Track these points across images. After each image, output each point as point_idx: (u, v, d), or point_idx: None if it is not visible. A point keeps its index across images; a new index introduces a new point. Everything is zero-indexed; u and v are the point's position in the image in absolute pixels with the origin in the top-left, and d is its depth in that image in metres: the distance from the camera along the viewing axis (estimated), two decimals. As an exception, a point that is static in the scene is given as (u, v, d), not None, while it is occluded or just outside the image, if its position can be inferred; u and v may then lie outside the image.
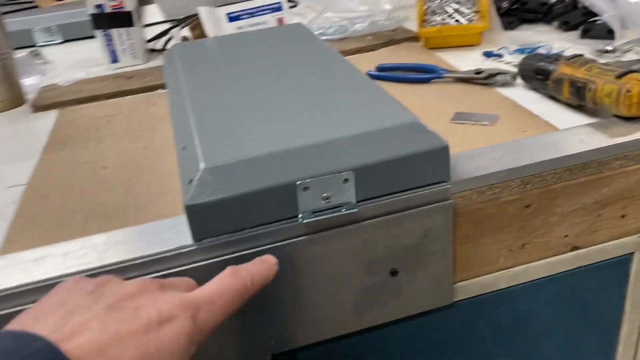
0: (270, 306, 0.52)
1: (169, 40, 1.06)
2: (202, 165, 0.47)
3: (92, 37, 1.18)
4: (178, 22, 1.07)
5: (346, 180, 0.49)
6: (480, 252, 0.58)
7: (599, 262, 0.63)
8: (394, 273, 0.55)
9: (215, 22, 0.96)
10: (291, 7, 1.18)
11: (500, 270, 0.60)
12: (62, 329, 0.28)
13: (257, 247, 0.49)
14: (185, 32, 1.03)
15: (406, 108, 0.54)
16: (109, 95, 0.87)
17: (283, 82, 0.63)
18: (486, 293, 0.61)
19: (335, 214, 0.50)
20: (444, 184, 0.52)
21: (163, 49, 1.06)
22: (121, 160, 0.67)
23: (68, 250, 0.48)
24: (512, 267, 0.60)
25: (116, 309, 0.30)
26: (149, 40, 1.07)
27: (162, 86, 0.89)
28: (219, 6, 0.95)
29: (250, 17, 0.96)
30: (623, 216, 0.61)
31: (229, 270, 0.37)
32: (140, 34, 1.02)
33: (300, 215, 0.49)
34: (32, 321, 0.29)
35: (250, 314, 0.51)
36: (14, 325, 0.29)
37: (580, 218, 0.59)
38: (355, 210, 0.50)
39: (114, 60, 1.00)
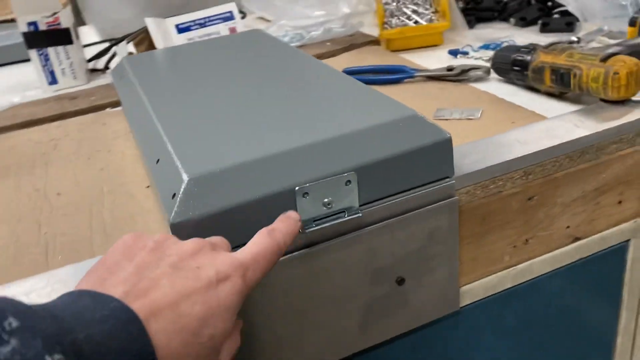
0: (270, 330, 0.46)
1: (112, 57, 0.98)
2: (185, 177, 0.41)
3: (22, 61, 1.09)
4: (119, 40, 0.99)
5: (348, 182, 0.44)
6: (485, 251, 0.54)
7: (598, 252, 0.61)
8: (400, 281, 0.50)
9: (163, 34, 0.89)
10: (240, 18, 1.13)
11: (506, 269, 0.57)
12: (137, 285, 0.30)
13: (255, 264, 0.44)
14: (130, 48, 0.96)
15: (401, 103, 0.50)
16: (53, 117, 0.78)
17: (259, 85, 0.58)
18: (492, 295, 0.57)
19: (338, 221, 0.45)
20: (448, 179, 0.48)
21: (106, 68, 0.98)
22: (78, 185, 0.60)
23: (31, 288, 0.41)
24: (516, 265, 0.57)
25: (180, 268, 0.32)
26: (90, 60, 0.99)
27: (111, 104, 0.81)
28: (168, 17, 0.89)
29: (201, 28, 0.90)
30: (620, 202, 0.60)
31: (265, 231, 0.38)
32: (81, 53, 0.93)
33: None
34: (107, 274, 0.31)
35: (244, 341, 0.45)
36: (89, 279, 0.31)
37: (581, 207, 0.57)
38: (359, 214, 0.45)
39: (53, 81, 0.91)
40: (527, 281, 0.58)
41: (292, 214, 0.41)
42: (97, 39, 1.21)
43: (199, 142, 0.47)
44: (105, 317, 0.27)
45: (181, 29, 0.89)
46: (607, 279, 0.65)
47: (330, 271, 0.47)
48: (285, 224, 0.39)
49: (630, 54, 0.61)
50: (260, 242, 0.37)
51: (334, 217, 0.45)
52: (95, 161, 0.65)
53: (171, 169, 0.44)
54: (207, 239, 0.37)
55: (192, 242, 0.35)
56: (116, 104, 0.81)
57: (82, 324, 0.26)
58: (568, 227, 0.58)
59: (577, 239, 0.59)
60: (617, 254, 0.63)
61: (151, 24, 0.86)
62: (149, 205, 0.54)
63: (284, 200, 0.42)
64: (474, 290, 0.56)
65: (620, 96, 0.57)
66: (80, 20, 1.38)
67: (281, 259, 0.44)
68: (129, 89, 0.65)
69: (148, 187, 0.57)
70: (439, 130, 0.47)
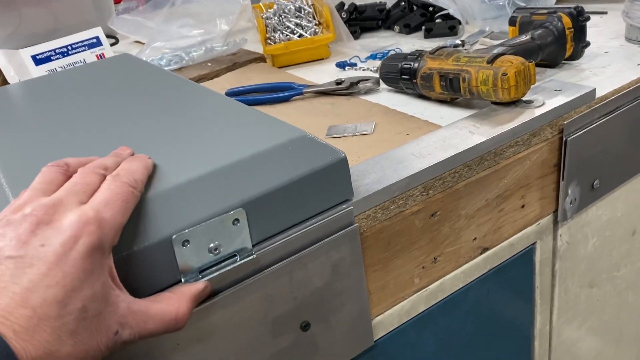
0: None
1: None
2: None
3: None
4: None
5: (236, 220, 0.38)
6: (394, 277, 0.50)
7: (507, 259, 0.59)
8: (305, 327, 0.45)
9: (18, 67, 0.79)
10: (112, 44, 1.04)
11: (417, 291, 0.53)
12: None
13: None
14: (-17, 85, 0.84)
15: (287, 123, 0.45)
16: None
17: (125, 118, 0.51)
18: (406, 321, 0.53)
19: (230, 267, 0.39)
20: (347, 204, 0.44)
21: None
22: None
23: None
24: (428, 286, 0.53)
25: (23, 257, 0.29)
26: None
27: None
28: (23, 48, 0.79)
29: (63, 57, 0.81)
30: (523, 206, 0.58)
31: (110, 178, 0.35)
32: None
33: (182, 280, 0.37)
34: None
35: None
36: None
37: (485, 217, 0.55)
38: (254, 256, 0.39)
39: None
40: (440, 301, 0.55)
41: (123, 152, 0.40)
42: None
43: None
44: None
45: (39, 60, 0.79)
46: (518, 284, 0.63)
47: (225, 329, 0.40)
48: (126, 164, 0.37)
49: (514, 53, 0.60)
50: (107, 187, 0.34)
51: (225, 263, 0.39)
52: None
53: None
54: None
55: (28, 214, 0.31)
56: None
57: None
58: (475, 238, 0.55)
59: (485, 249, 0.56)
60: (525, 259, 0.62)
61: (0, 57, 0.76)
62: None
63: (160, 253, 0.36)
64: (387, 320, 0.52)
65: (511, 97, 0.55)
66: None
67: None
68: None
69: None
70: (333, 150, 0.43)
